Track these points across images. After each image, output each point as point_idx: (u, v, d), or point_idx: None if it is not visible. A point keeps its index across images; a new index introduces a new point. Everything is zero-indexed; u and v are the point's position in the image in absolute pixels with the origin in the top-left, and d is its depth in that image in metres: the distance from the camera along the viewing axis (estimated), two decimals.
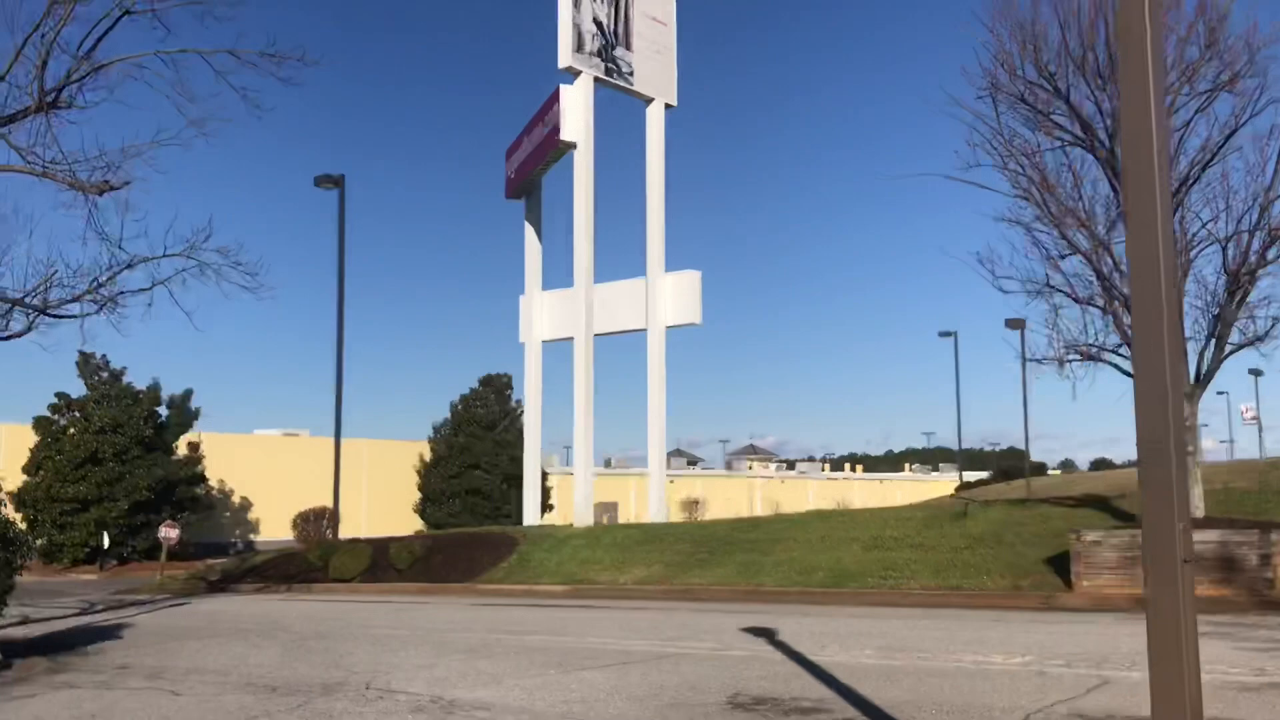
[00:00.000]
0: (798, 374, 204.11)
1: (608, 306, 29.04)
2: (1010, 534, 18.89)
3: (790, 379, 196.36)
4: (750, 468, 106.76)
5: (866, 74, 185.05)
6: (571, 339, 31.18)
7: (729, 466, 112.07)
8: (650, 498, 28.56)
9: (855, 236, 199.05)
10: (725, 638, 13.12)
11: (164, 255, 16.76)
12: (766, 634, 13.13)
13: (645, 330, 28.85)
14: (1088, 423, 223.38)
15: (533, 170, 29.96)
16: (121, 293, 17.22)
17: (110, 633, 16.45)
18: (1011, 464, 66.24)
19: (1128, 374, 17.67)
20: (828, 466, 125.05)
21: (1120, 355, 17.37)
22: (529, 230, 31.75)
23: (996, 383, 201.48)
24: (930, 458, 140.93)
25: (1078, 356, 17.66)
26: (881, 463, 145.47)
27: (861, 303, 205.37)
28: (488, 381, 59.30)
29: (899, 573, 18.17)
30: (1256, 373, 76.00)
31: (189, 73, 16.34)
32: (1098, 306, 17.63)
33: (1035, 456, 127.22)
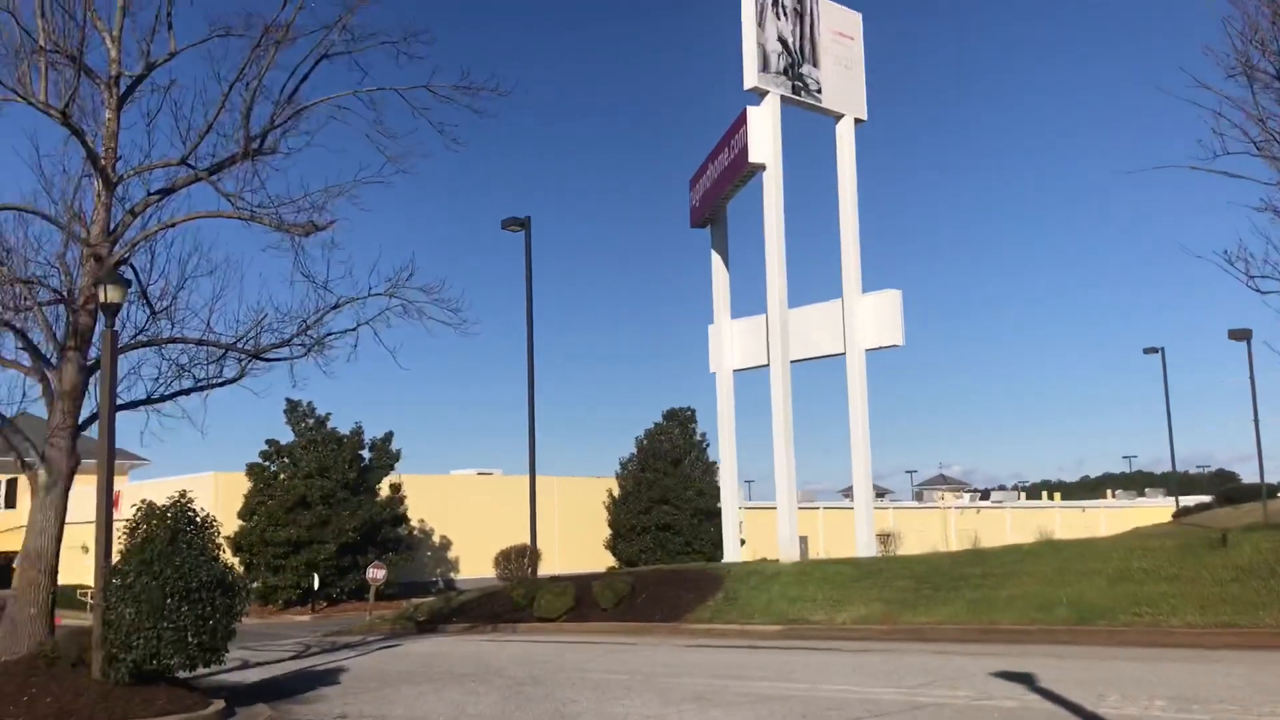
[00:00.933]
0: (984, 398, 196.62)
1: (802, 331, 27.97)
2: None
3: (976, 403, 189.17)
4: (942, 498, 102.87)
5: (1061, 71, 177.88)
6: (763, 366, 30.21)
7: (919, 497, 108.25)
8: (858, 531, 27.17)
9: (1046, 247, 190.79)
10: (979, 684, 11.86)
11: (369, 295, 16.83)
12: (1025, 680, 11.80)
13: (843, 354, 27.62)
14: None
15: (719, 196, 29.27)
16: (329, 334, 17.37)
17: (327, 678, 16.38)
18: (1233, 487, 61.22)
19: None
20: (1023, 495, 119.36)
21: None
22: (716, 258, 31.05)
23: (1197, 402, 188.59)
24: (1130, 483, 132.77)
25: None
26: (1078, 489, 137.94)
27: (1048, 320, 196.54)
28: (672, 415, 58.95)
29: (1155, 608, 16.38)
30: None
31: (386, 111, 16.37)
32: None
33: (1246, 478, 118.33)
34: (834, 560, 25.74)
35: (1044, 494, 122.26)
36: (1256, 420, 39.85)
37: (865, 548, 26.70)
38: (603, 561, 55.58)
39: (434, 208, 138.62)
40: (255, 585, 46.07)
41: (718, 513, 55.91)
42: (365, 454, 48.83)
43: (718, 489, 57.38)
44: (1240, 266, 16.54)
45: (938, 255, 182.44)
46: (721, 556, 51.48)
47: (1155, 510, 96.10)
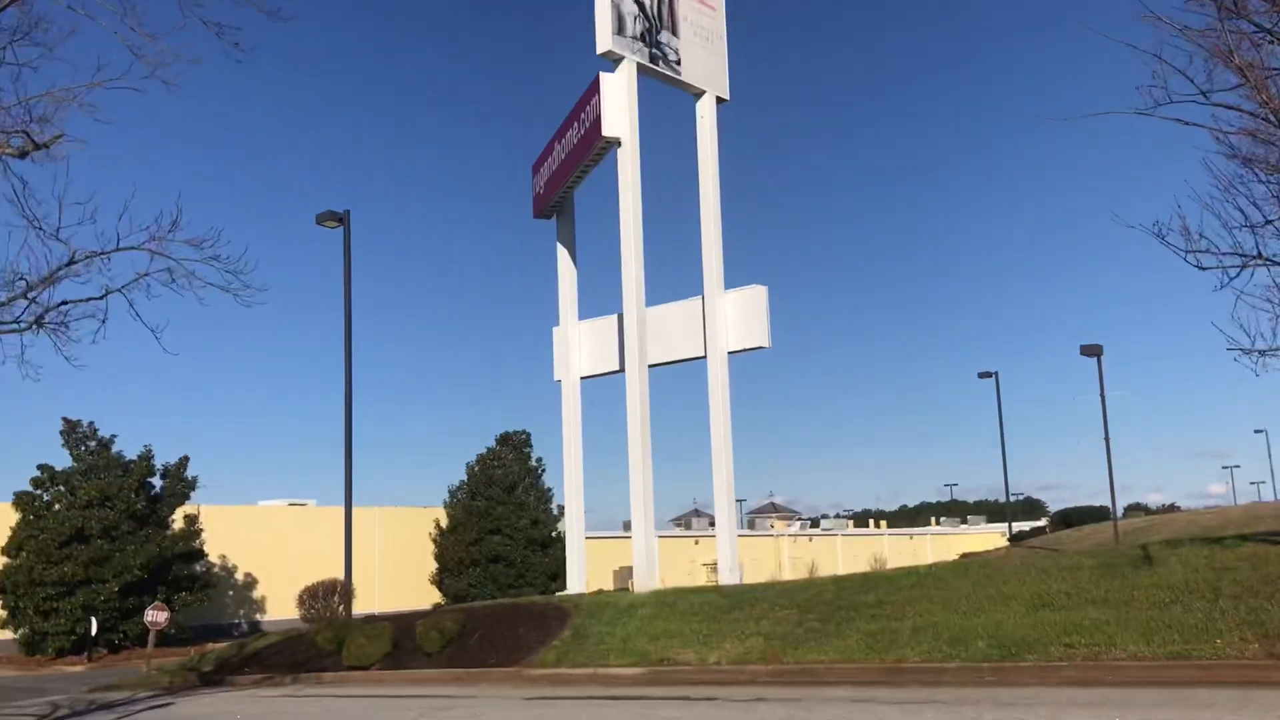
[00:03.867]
0: (802, 427, 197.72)
1: (659, 332, 24.96)
2: (1227, 582, 14.55)
3: (796, 430, 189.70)
4: (772, 525, 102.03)
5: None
6: (614, 373, 27.06)
7: (751, 525, 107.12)
8: (721, 555, 24.16)
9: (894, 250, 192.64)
10: None
11: (117, 249, 12.71)
12: None
13: (704, 358, 24.71)
14: (1089, 470, 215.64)
15: (566, 180, 26.03)
16: (65, 303, 13.18)
17: None
18: (1070, 509, 61.62)
19: None
20: (851, 523, 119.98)
21: None
22: (562, 253, 27.77)
23: (981, 430, 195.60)
24: (947, 511, 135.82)
25: None
26: (898, 518, 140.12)
27: (866, 348, 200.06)
28: (505, 440, 55.25)
29: (1089, 638, 13.81)
30: None
31: (149, 8, 12.38)
32: None
33: (1053, 506, 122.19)
34: (700, 588, 22.63)
35: (870, 522, 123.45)
36: (1107, 438, 38.98)
37: (729, 574, 23.67)
38: (429, 598, 51.10)
39: (237, 203, 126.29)
40: (21, 632, 39.88)
41: (552, 543, 52.47)
42: (156, 481, 43.15)
43: (553, 517, 53.97)
44: (1182, 236, 14.30)
45: (794, 254, 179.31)
46: (556, 590, 48.11)
47: (983, 537, 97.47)
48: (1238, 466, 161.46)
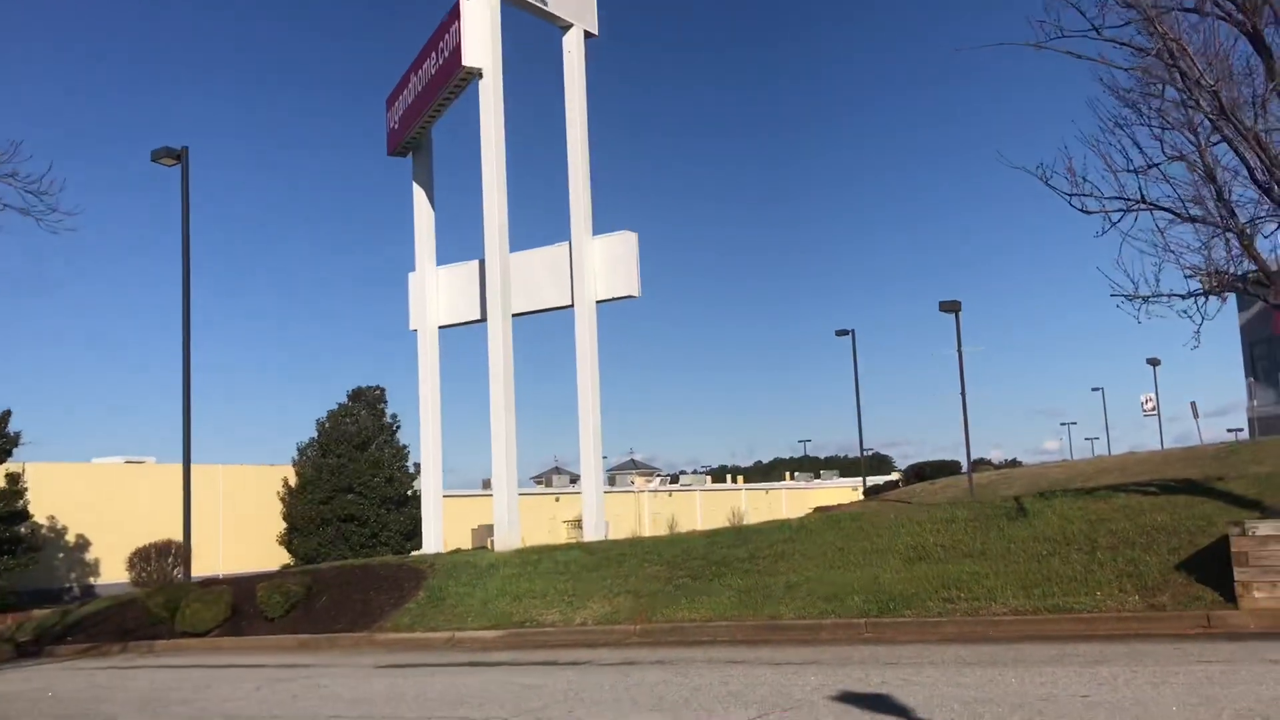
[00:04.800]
0: (662, 383, 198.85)
1: (524, 280, 23.74)
2: (1103, 534, 14.34)
3: (654, 389, 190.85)
4: (633, 482, 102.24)
5: None
6: (474, 323, 25.77)
7: (611, 481, 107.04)
8: (586, 511, 23.26)
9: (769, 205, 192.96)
10: (827, 715, 8.09)
11: None
12: (889, 708, 8.16)
13: (571, 307, 23.62)
14: (934, 428, 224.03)
15: (422, 114, 24.39)
16: None
17: None
18: (925, 463, 62.81)
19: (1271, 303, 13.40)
20: (709, 479, 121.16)
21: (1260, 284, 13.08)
22: (418, 192, 26.18)
23: (834, 387, 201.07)
24: (800, 466, 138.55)
25: (1202, 289, 13.30)
26: (754, 473, 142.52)
27: (726, 304, 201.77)
28: (358, 395, 53.25)
29: (968, 592, 13.40)
30: (1154, 362, 75.02)
31: None
32: (1215, 224, 13.30)
33: (899, 462, 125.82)
34: (565, 546, 21.67)
35: (727, 477, 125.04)
36: (964, 394, 39.54)
37: (595, 530, 22.80)
38: (278, 560, 48.93)
39: (71, 142, 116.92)
40: None
41: (408, 501, 50.78)
42: None
43: (409, 475, 52.20)
44: (1064, 182, 13.87)
45: (658, 202, 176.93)
46: (412, 549, 46.55)
47: (837, 491, 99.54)
48: (1074, 423, 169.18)
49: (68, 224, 11.98)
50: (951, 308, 39.94)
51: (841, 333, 60.62)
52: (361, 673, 13.47)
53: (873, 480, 76.89)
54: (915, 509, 19.84)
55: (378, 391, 53.47)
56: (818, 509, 62.18)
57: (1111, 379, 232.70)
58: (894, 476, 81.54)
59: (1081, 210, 13.95)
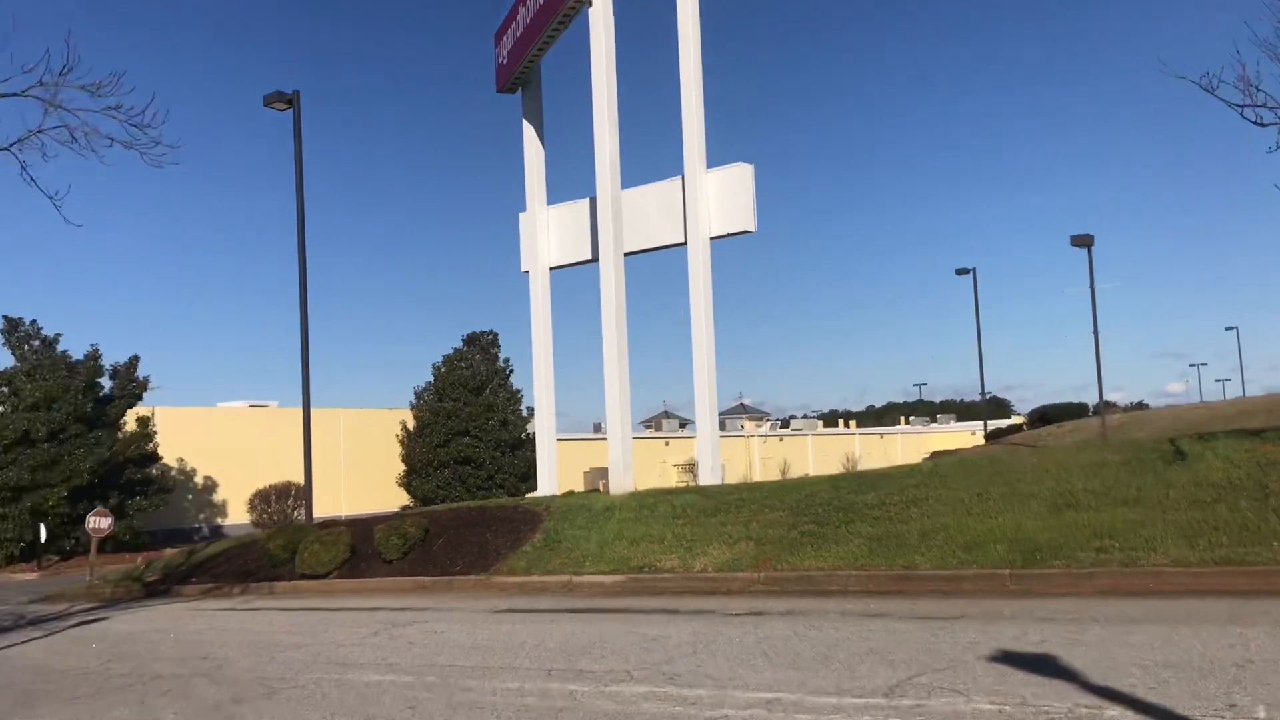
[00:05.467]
0: (771, 325, 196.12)
1: (635, 218, 22.99)
2: (1275, 479, 13.08)
3: (763, 331, 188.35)
4: (742, 426, 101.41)
5: None
6: (585, 262, 25.16)
7: (721, 426, 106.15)
8: (701, 454, 22.62)
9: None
10: (989, 679, 7.27)
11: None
12: (1056, 670, 7.31)
13: (684, 245, 22.80)
14: (1050, 371, 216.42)
15: (530, 47, 23.69)
16: None
17: None
18: (1052, 406, 60.51)
19: None
20: (821, 423, 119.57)
21: None
22: (528, 130, 25.55)
23: (945, 330, 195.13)
24: (914, 410, 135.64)
25: None
26: (866, 418, 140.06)
27: (837, 242, 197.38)
28: (472, 340, 53.56)
29: (1123, 542, 12.33)
30: None
31: None
32: None
33: (1018, 406, 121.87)
34: (681, 490, 21.09)
35: (839, 422, 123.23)
36: (1096, 332, 37.54)
37: (711, 474, 22.14)
38: (397, 501, 49.79)
39: (183, 85, 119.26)
40: None
41: (522, 444, 50.99)
42: (105, 383, 41.08)
43: (522, 419, 52.40)
44: (1235, 92, 12.45)
45: (771, 136, 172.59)
46: (526, 491, 46.70)
47: (954, 435, 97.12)
48: (1205, 364, 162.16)
49: (170, 157, 11.64)
50: (1083, 242, 37.87)
51: (962, 271, 58.46)
52: (478, 618, 13.10)
53: (993, 424, 74.61)
54: (1055, 452, 18.64)
55: (491, 336, 53.74)
56: (934, 453, 60.57)
57: (1246, 319, 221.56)
58: (1015, 420, 79.17)
59: (1256, 123, 12.55)
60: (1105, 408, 43.47)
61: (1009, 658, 7.98)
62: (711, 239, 22.67)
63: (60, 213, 11.73)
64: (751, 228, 22.28)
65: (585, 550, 17.01)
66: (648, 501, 18.97)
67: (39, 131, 11.41)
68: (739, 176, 22.40)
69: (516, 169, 25.88)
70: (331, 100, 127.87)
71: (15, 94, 10.76)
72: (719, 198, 22.49)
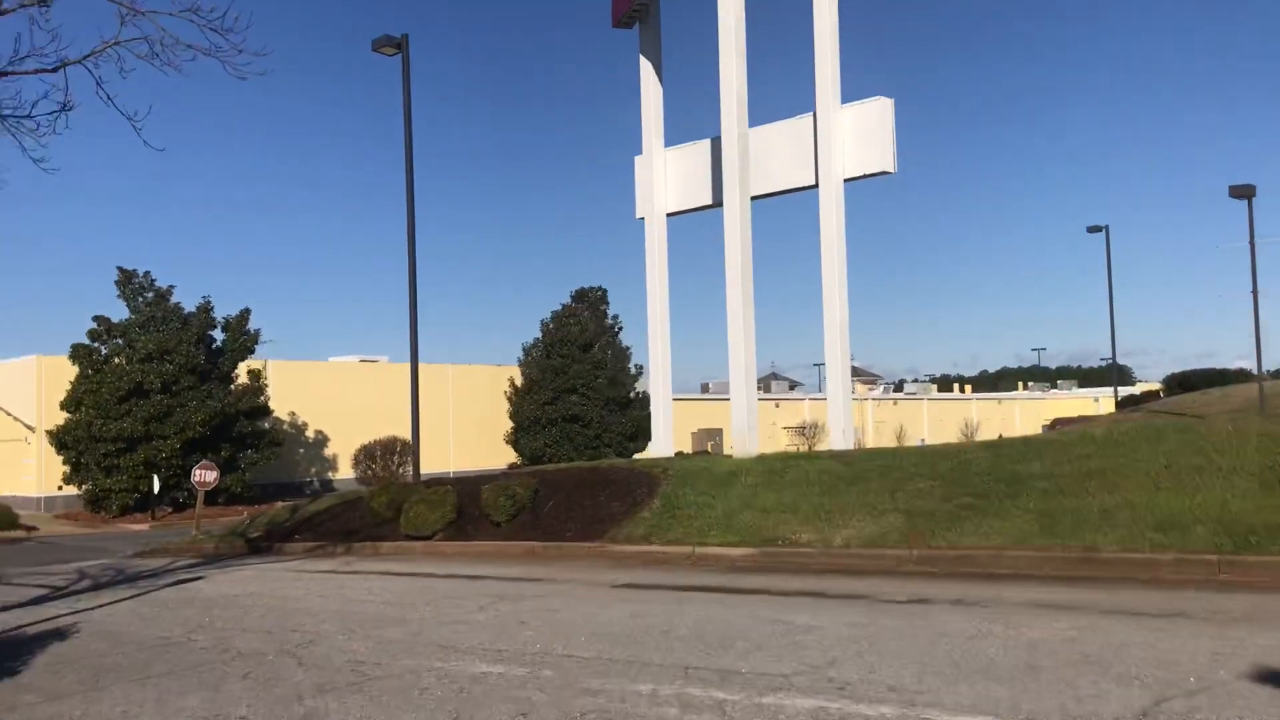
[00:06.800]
0: (880, 283, 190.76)
1: (760, 159, 21.22)
2: None
3: (873, 289, 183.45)
4: (854, 390, 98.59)
5: None
6: (705, 208, 23.51)
7: None
8: (833, 415, 20.88)
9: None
10: (1264, 707, 5.53)
11: None
12: None
13: (815, 187, 20.98)
14: (1175, 336, 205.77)
15: None
16: (6, 73, 10.03)
17: (23, 651, 9.54)
18: (1192, 371, 56.89)
19: None
20: (935, 388, 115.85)
21: None
22: (645, 67, 23.89)
23: (1064, 292, 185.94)
24: (1029, 376, 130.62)
25: None
26: (981, 383, 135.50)
27: (960, 196, 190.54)
28: (581, 296, 52.40)
29: None
30: None
31: None
32: None
33: (1139, 373, 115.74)
34: (812, 454, 19.46)
35: (954, 386, 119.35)
36: (1255, 291, 34.32)
37: (843, 437, 20.39)
38: (504, 458, 49.14)
39: (281, 30, 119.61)
40: (85, 488, 38.58)
41: (630, 403, 49.76)
42: (217, 335, 41.06)
43: (631, 377, 51.15)
44: None
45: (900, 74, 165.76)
46: (634, 451, 45.41)
47: (1076, 402, 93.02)
48: None
49: (257, 66, 10.49)
50: (1244, 193, 34.52)
51: (1094, 229, 54.77)
52: (598, 594, 11.72)
53: (1125, 390, 70.76)
54: (1224, 420, 16.41)
55: (599, 292, 52.54)
56: (1056, 420, 57.45)
57: None
58: (1148, 387, 75.04)
59: None
60: (1239, 376, 40.06)
61: (1276, 678, 6.21)
62: (846, 180, 20.80)
63: (139, 133, 10.56)
64: (891, 168, 20.34)
65: (709, 519, 15.52)
66: (775, 466, 17.37)
67: (115, 43, 10.24)
68: (878, 112, 20.44)
69: (626, 115, 24.35)
70: (432, 45, 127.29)
71: None
72: (855, 135, 20.59)
